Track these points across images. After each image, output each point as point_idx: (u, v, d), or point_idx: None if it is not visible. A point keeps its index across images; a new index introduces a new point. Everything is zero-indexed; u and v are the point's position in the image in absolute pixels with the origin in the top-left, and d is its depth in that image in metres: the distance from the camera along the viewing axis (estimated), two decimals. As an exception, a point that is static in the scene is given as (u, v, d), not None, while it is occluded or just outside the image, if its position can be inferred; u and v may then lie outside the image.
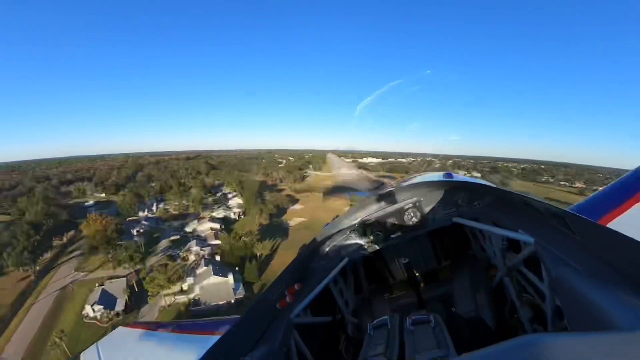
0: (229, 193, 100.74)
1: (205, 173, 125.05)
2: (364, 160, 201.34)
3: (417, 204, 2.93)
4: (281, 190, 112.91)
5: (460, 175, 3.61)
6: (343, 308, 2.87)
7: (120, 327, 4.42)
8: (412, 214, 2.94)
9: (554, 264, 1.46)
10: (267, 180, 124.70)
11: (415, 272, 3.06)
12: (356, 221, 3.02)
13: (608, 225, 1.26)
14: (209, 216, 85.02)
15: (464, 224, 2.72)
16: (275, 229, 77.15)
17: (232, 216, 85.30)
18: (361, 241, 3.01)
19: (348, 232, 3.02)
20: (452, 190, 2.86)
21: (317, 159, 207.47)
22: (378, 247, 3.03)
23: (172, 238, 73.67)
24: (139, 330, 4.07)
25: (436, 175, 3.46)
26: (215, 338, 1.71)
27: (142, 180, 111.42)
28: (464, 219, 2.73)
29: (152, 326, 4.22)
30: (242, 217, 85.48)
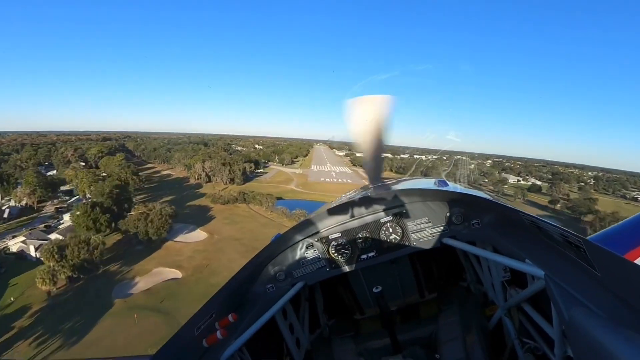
0: (81, 198, 56.09)
1: (94, 160, 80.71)
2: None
3: (399, 216, 2.40)
4: (203, 196, 67.28)
5: (456, 185, 2.87)
6: (293, 349, 2.41)
7: None
8: (390, 229, 2.42)
9: (567, 305, 1.27)
10: (191, 177, 79.44)
11: (390, 305, 2.55)
12: (317, 233, 2.44)
13: (636, 262, 1.09)
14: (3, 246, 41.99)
15: (457, 247, 2.28)
16: (84, 303, 32.66)
17: (33, 253, 40.62)
18: (322, 261, 2.43)
19: (305, 247, 2.44)
20: (446, 202, 2.34)
21: (295, 149, 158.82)
22: (343, 270, 2.47)
23: None
24: None
25: (426, 182, 3.04)
26: None
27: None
28: (458, 241, 2.28)
29: None
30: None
